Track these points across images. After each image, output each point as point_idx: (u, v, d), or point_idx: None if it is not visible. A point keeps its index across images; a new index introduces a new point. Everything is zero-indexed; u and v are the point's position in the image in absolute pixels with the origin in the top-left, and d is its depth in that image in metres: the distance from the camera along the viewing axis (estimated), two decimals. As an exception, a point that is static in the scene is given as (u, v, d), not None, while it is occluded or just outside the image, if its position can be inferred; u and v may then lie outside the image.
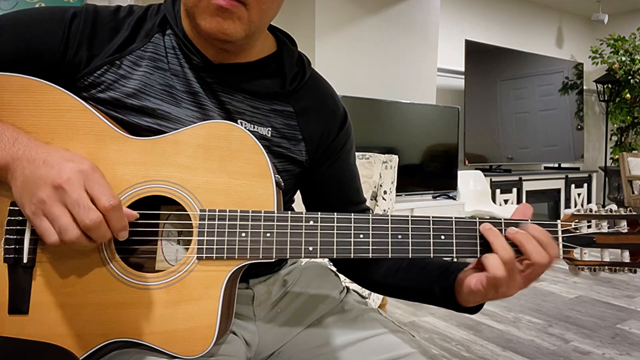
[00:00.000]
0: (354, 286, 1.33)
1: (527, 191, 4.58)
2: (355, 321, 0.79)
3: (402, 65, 3.65)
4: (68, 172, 0.55)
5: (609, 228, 0.62)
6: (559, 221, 0.62)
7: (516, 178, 4.48)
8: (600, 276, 3.26)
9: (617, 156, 5.19)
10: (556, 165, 5.31)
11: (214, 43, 0.68)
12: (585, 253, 0.62)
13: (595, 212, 0.62)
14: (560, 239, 0.62)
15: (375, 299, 1.86)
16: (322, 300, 0.83)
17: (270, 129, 0.74)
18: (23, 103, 0.62)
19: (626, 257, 0.62)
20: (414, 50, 3.70)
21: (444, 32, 4.34)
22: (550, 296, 2.82)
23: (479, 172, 4.08)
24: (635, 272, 0.62)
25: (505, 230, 0.61)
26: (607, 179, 5.47)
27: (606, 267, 0.61)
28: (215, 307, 0.60)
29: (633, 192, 4.66)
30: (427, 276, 0.73)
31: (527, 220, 0.62)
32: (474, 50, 4.27)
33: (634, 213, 0.62)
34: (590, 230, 0.62)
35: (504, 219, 0.62)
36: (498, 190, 4.26)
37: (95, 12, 0.69)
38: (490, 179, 4.19)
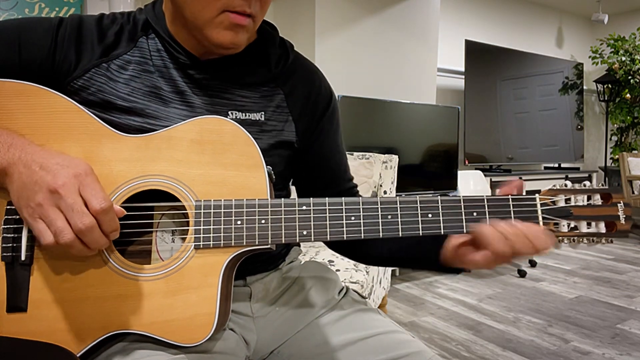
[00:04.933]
0: (353, 286, 1.32)
1: (527, 191, 4.56)
2: (355, 320, 0.79)
3: (402, 65, 3.65)
4: (63, 177, 0.56)
5: (584, 202, 0.66)
6: (537, 195, 0.67)
7: (516, 178, 4.48)
8: (600, 276, 3.26)
9: (617, 156, 5.19)
10: (556, 165, 5.31)
11: (216, 50, 0.71)
12: (563, 225, 0.66)
13: (571, 187, 0.67)
14: (539, 212, 0.66)
15: (375, 299, 1.86)
16: (321, 298, 0.83)
17: (262, 113, 0.76)
18: (18, 107, 0.64)
19: (602, 228, 0.66)
20: (414, 50, 3.70)
21: (444, 32, 4.34)
22: (550, 296, 2.82)
23: (479, 172, 4.08)
24: (611, 241, 0.66)
25: (487, 206, 0.66)
26: (607, 179, 5.47)
27: (584, 238, 0.66)
28: (214, 294, 0.61)
29: (633, 192, 4.66)
30: (419, 245, 0.78)
31: (507, 196, 0.67)
32: (474, 50, 4.27)
33: (606, 187, 0.67)
34: (567, 204, 0.66)
35: (486, 196, 0.67)
36: (498, 190, 4.26)
37: (80, 19, 0.71)
38: (490, 179, 4.19)
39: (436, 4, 3.80)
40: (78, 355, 0.60)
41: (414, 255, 0.79)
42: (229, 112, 0.73)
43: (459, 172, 3.81)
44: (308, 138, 0.81)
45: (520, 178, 4.49)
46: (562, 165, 5.33)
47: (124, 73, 0.70)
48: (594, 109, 6.09)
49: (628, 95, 5.30)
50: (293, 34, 3.31)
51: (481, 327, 2.34)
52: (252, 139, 0.65)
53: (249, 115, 0.74)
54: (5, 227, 0.61)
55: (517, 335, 2.23)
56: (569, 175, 5.03)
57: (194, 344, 0.61)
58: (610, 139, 5.73)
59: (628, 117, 5.42)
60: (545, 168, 5.28)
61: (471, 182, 3.93)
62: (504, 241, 0.62)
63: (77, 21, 0.71)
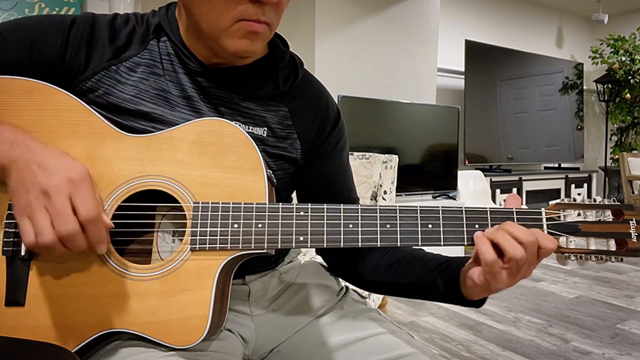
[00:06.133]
0: (353, 285, 1.32)
1: (527, 191, 4.58)
2: (355, 320, 0.79)
3: (402, 65, 3.65)
4: (57, 179, 0.56)
5: (593, 218, 0.63)
6: (543, 209, 0.64)
7: (516, 178, 4.48)
8: (600, 276, 3.26)
9: (617, 156, 5.19)
10: (556, 165, 5.31)
11: (231, 60, 0.71)
12: (571, 241, 0.63)
13: (580, 202, 0.63)
14: (545, 227, 0.63)
15: (375, 299, 1.86)
16: (320, 298, 0.83)
17: (265, 129, 0.76)
18: (24, 104, 0.64)
19: (612, 245, 0.62)
20: (414, 50, 3.70)
21: (444, 32, 4.34)
22: (550, 296, 2.82)
23: (479, 172, 4.08)
24: (621, 260, 0.62)
25: (490, 218, 0.63)
26: (607, 179, 5.48)
27: (593, 256, 0.62)
28: (208, 297, 0.61)
29: (633, 192, 4.65)
30: (430, 271, 0.74)
31: (512, 209, 0.63)
32: (474, 50, 4.27)
33: (617, 203, 0.63)
34: (575, 219, 0.63)
35: (489, 207, 0.63)
36: (498, 190, 4.26)
37: (93, 19, 0.71)
38: (490, 179, 4.19)
39: (436, 4, 3.80)
40: (72, 352, 0.60)
41: (428, 283, 0.74)
42: (233, 123, 0.73)
43: (459, 172, 3.81)
44: (312, 157, 0.81)
45: (520, 178, 4.50)
46: (562, 165, 5.33)
47: (133, 75, 0.70)
48: (594, 109, 6.09)
49: (628, 95, 5.30)
50: (293, 33, 3.31)
51: (481, 327, 2.34)
52: (253, 142, 0.65)
53: (251, 129, 0.74)
54: (7, 222, 0.62)
55: (517, 335, 2.23)
56: (569, 175, 5.03)
57: (186, 346, 0.61)
58: (610, 139, 5.73)
59: (628, 117, 5.42)
60: (545, 168, 5.28)
61: (471, 182, 3.93)
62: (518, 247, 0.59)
63: (90, 21, 0.70)
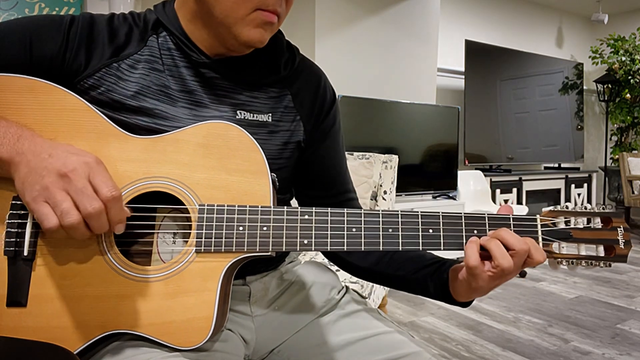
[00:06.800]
0: (353, 286, 1.32)
1: (527, 191, 4.57)
2: (355, 320, 0.80)
3: (402, 65, 3.65)
4: (73, 163, 0.57)
5: (584, 224, 0.66)
6: (538, 216, 0.67)
7: (516, 178, 4.48)
8: (600, 276, 3.26)
9: (617, 156, 5.19)
10: (556, 165, 5.31)
11: (237, 48, 0.72)
12: (563, 247, 0.66)
13: (572, 209, 0.67)
14: (539, 232, 0.65)
15: (375, 299, 1.86)
16: (321, 298, 0.83)
17: (270, 114, 0.77)
18: (27, 102, 0.64)
19: (601, 251, 0.66)
20: (414, 50, 3.70)
21: (444, 32, 4.34)
22: (550, 296, 2.82)
23: (479, 172, 4.08)
24: (609, 265, 0.66)
25: (488, 224, 0.66)
26: (607, 179, 5.47)
27: (582, 261, 0.66)
28: (213, 298, 0.61)
29: (633, 192, 4.66)
30: (423, 267, 0.76)
31: (509, 215, 0.66)
32: (474, 50, 4.27)
33: (606, 211, 0.66)
34: (567, 226, 0.66)
35: (488, 214, 0.66)
36: (498, 190, 4.26)
37: (92, 19, 0.72)
38: (490, 179, 4.19)
39: (436, 4, 3.80)
40: (75, 353, 0.60)
41: (420, 279, 0.77)
42: (238, 112, 0.74)
43: (459, 172, 3.81)
44: (312, 137, 0.82)
45: (520, 178, 4.50)
46: (562, 165, 5.33)
47: (134, 72, 0.70)
48: (594, 109, 6.09)
49: (628, 95, 5.30)
50: (293, 34, 3.31)
51: (481, 327, 2.34)
52: (258, 145, 0.66)
53: (256, 117, 0.75)
54: (10, 221, 0.61)
55: (517, 335, 2.23)
56: (569, 175, 5.03)
57: (190, 348, 0.61)
58: (610, 139, 5.73)
59: (628, 117, 5.42)
60: (545, 168, 5.28)
61: (471, 182, 3.93)
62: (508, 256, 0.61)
63: (89, 20, 0.71)
